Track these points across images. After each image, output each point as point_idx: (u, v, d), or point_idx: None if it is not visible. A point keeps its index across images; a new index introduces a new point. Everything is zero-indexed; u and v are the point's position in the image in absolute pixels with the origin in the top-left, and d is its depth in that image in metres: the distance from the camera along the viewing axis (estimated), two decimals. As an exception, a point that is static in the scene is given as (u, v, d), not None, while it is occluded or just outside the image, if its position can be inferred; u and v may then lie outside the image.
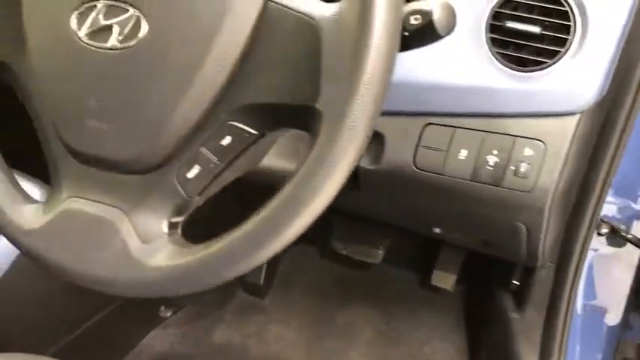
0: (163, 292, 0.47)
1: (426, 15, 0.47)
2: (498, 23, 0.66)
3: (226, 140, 0.47)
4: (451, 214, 0.81)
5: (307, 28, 0.43)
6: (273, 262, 1.35)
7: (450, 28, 0.49)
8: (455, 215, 0.81)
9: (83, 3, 0.49)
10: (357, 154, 0.42)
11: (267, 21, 0.45)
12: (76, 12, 0.49)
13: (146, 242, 0.49)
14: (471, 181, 0.70)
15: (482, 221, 0.78)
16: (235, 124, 0.46)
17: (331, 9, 0.43)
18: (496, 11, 0.66)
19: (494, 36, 0.66)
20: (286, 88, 0.44)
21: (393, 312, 1.25)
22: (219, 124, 0.47)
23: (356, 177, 0.78)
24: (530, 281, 0.98)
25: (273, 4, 0.45)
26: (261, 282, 1.32)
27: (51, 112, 0.51)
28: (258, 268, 1.33)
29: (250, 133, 0.47)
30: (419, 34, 0.46)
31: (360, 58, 0.40)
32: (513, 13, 0.65)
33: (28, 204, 0.54)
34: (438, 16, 0.48)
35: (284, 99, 0.44)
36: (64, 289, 0.90)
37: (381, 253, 1.21)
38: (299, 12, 0.44)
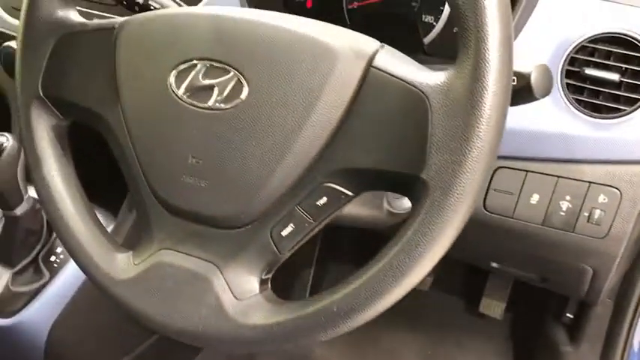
0: (259, 349, 0.48)
1: (524, 78, 0.48)
2: (574, 69, 0.65)
3: (322, 201, 0.47)
4: (515, 254, 0.81)
5: (412, 96, 0.43)
6: (318, 283, 1.35)
7: (547, 92, 0.49)
8: (519, 254, 0.80)
9: (182, 62, 0.50)
10: (462, 224, 0.42)
11: (370, 86, 0.45)
12: (174, 71, 0.50)
13: (240, 298, 0.49)
14: (541, 225, 0.69)
15: (547, 262, 0.78)
16: (332, 185, 0.47)
17: (438, 78, 0.43)
18: (572, 57, 0.65)
19: (569, 82, 0.66)
20: (388, 154, 0.44)
21: (439, 338, 1.25)
22: (316, 186, 0.47)
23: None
24: (586, 315, 0.97)
25: (375, 70, 0.45)
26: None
27: (145, 166, 0.52)
28: (304, 289, 1.33)
29: (346, 194, 0.47)
30: (515, 95, 0.46)
31: (470, 132, 0.40)
32: (590, 59, 0.65)
33: (119, 252, 0.55)
34: (535, 79, 0.48)
35: (385, 165, 0.45)
36: (122, 317, 0.92)
37: (429, 279, 1.21)
38: (403, 80, 0.44)
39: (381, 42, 0.50)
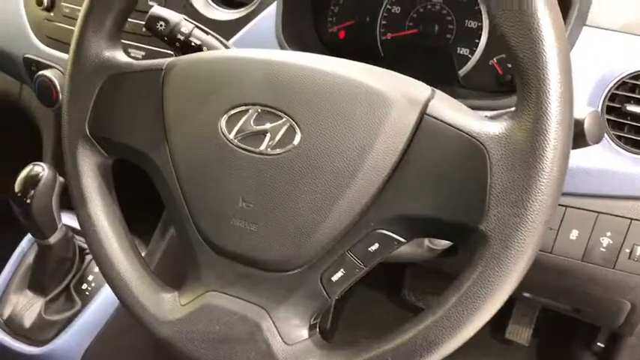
0: None
1: (578, 124, 0.47)
2: (615, 105, 0.65)
3: (374, 247, 0.47)
4: (550, 286, 0.80)
5: (470, 146, 0.43)
6: (339, 306, 1.34)
7: (599, 139, 0.49)
8: (554, 287, 0.80)
9: (234, 107, 0.50)
10: (521, 276, 0.42)
11: (424, 133, 0.45)
12: (226, 115, 0.50)
13: (289, 343, 0.49)
14: (581, 261, 0.69)
15: (584, 295, 0.77)
16: (385, 232, 0.47)
17: (497, 129, 0.43)
18: (613, 93, 0.65)
19: (610, 118, 0.65)
20: (444, 203, 0.44)
21: (464, 363, 1.23)
22: (369, 232, 0.47)
23: (455, 250, 0.77)
24: (618, 345, 0.96)
25: (430, 117, 0.45)
26: (328, 326, 1.32)
27: (193, 208, 0.52)
28: (326, 312, 1.33)
29: (399, 240, 0.47)
30: None
31: (532, 184, 0.40)
32: (631, 95, 0.65)
33: (165, 292, 0.55)
34: (588, 126, 0.48)
35: (441, 214, 0.44)
36: (153, 345, 0.91)
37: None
38: (459, 128, 0.44)
39: (415, 73, 0.50)
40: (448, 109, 0.45)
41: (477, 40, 0.77)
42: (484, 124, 0.43)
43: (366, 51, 0.83)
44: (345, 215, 0.47)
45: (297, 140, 0.48)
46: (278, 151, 0.48)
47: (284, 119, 0.48)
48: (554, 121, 0.40)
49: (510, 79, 0.76)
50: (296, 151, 0.47)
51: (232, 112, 0.50)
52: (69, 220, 0.90)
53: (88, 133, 0.57)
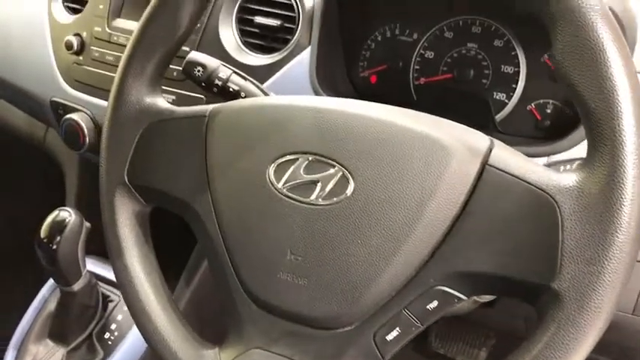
0: None
1: None
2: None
3: (433, 304, 0.45)
4: (612, 344, 0.76)
5: (538, 199, 0.41)
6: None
7: None
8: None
9: (282, 155, 0.48)
10: (597, 337, 0.40)
11: (486, 184, 0.43)
12: (274, 164, 0.48)
13: None
14: (631, 314, 0.66)
15: (628, 350, 0.74)
16: (445, 289, 0.44)
17: (568, 181, 0.41)
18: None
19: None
20: (510, 259, 0.42)
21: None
22: (427, 289, 0.44)
23: (493, 301, 0.75)
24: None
25: (492, 168, 0.43)
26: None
27: (237, 260, 0.50)
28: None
29: (460, 298, 0.44)
30: None
31: (609, 241, 0.38)
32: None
33: (205, 349, 0.52)
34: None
35: (506, 270, 0.42)
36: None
37: (483, 354, 1.16)
38: (525, 180, 0.42)
39: (450, 118, 0.48)
40: (511, 159, 0.44)
41: (513, 86, 0.76)
42: (552, 176, 0.41)
43: (398, 95, 0.82)
44: (402, 270, 0.44)
45: (350, 190, 0.46)
46: (330, 201, 0.46)
47: (336, 168, 0.46)
48: (630, 174, 0.38)
49: (549, 125, 0.75)
50: (349, 202, 0.46)
51: (281, 160, 0.48)
52: (92, 266, 0.88)
53: (126, 180, 0.56)
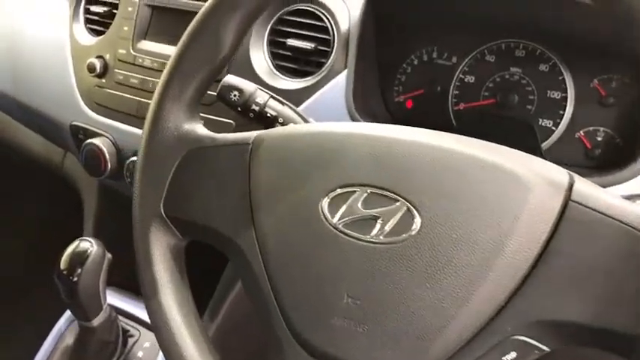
0: None
1: None
2: None
3: (510, 356, 0.40)
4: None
5: (632, 239, 0.37)
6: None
7: None
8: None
9: (337, 188, 0.44)
10: None
11: (571, 222, 0.39)
12: (327, 197, 0.44)
13: None
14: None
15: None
16: (524, 339, 0.40)
17: None
18: None
19: None
20: (600, 307, 0.37)
21: None
22: (504, 339, 0.40)
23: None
24: None
25: (576, 204, 0.39)
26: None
27: (285, 301, 0.45)
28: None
29: (541, 349, 0.40)
30: None
31: None
32: None
33: None
34: None
35: (596, 320, 0.38)
36: None
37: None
38: (617, 219, 0.38)
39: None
40: (597, 195, 0.39)
41: (561, 112, 0.72)
42: None
43: (436, 121, 0.79)
44: (476, 319, 0.40)
45: (416, 227, 0.41)
46: (392, 239, 0.42)
47: (399, 203, 0.42)
48: None
49: (600, 153, 0.71)
50: (415, 240, 0.41)
51: (335, 193, 0.44)
52: (112, 298, 0.84)
53: (162, 213, 0.51)
